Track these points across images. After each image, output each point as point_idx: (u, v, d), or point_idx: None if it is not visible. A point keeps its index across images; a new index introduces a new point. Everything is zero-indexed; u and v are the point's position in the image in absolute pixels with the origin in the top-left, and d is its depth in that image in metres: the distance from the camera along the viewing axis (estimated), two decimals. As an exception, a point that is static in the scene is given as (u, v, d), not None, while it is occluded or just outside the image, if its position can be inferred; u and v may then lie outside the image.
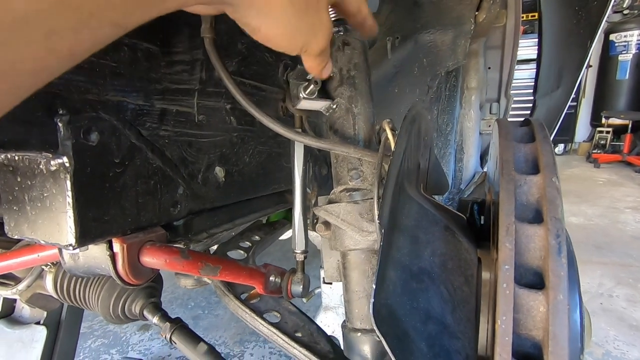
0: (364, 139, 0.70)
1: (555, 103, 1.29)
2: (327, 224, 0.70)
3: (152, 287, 0.79)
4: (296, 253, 0.80)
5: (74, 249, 0.48)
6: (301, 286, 0.80)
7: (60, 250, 0.58)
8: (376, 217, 0.61)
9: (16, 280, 0.87)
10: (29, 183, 0.50)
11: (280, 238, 1.52)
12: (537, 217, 0.37)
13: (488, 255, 0.52)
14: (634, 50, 6.18)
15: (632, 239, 3.54)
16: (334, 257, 0.75)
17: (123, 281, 0.54)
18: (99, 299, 0.74)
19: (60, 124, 0.45)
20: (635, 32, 6.08)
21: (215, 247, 1.14)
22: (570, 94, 1.19)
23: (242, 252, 1.17)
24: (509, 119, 1.62)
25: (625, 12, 6.35)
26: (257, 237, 1.29)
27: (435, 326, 0.39)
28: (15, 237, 0.52)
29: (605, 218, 4.08)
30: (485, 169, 1.72)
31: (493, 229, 0.46)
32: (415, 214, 0.47)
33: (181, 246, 0.65)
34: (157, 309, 0.76)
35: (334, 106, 0.71)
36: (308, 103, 0.70)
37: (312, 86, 0.69)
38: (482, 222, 0.78)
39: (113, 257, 0.54)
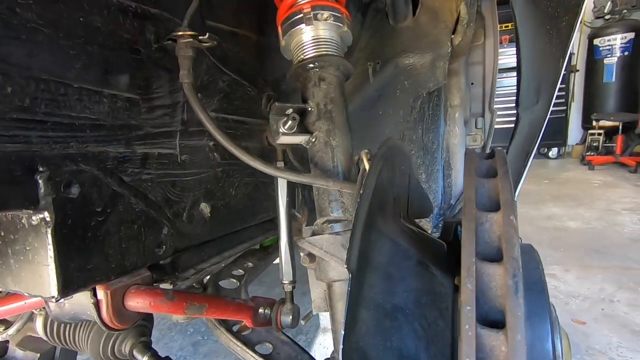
0: (343, 171, 0.72)
1: (536, 116, 1.32)
2: (311, 256, 0.71)
3: (142, 325, 0.79)
4: (284, 284, 0.81)
5: (56, 301, 0.49)
6: (291, 316, 0.81)
7: (45, 299, 0.58)
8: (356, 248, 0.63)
9: (7, 323, 0.87)
10: (12, 237, 0.51)
11: (275, 262, 1.52)
12: (498, 255, 0.39)
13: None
14: (618, 54, 6.31)
15: (630, 242, 3.54)
16: (320, 288, 0.76)
17: (107, 327, 0.55)
18: (88, 340, 0.75)
19: (40, 181, 0.47)
20: (618, 36, 6.22)
21: (208, 277, 1.14)
22: (548, 108, 1.22)
23: (234, 280, 1.17)
24: (489, 139, 1.64)
25: (607, 17, 6.51)
26: (250, 263, 1.29)
27: (409, 365, 0.40)
28: (0, 289, 0.53)
29: (602, 221, 4.08)
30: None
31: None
32: (388, 250, 0.48)
33: (167, 286, 0.66)
34: (147, 348, 0.76)
35: (313, 140, 0.73)
36: (288, 138, 0.73)
37: (290, 121, 0.71)
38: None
39: (97, 304, 0.54)
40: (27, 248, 0.50)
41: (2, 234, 0.51)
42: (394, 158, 0.61)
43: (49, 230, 0.48)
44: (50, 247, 0.48)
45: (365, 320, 0.41)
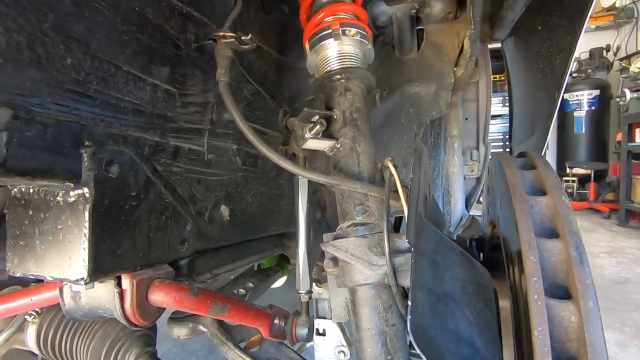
0: (367, 176, 0.73)
1: (532, 149, 1.40)
2: (334, 260, 0.70)
3: (147, 334, 0.74)
4: (300, 293, 0.79)
5: (85, 284, 0.46)
6: (306, 329, 0.77)
7: (61, 290, 0.55)
8: (386, 249, 0.62)
9: (-8, 334, 0.79)
10: (42, 216, 0.48)
11: (273, 286, 1.47)
12: (553, 233, 0.40)
13: (501, 284, 0.54)
14: (586, 108, 6.82)
15: (611, 283, 3.61)
16: (341, 295, 0.74)
17: (129, 321, 0.51)
18: (89, 349, 0.68)
19: (85, 155, 0.46)
20: (585, 92, 6.77)
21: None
22: (545, 139, 1.30)
23: (236, 299, 1.12)
24: (485, 169, 1.70)
25: (574, 75, 7.10)
26: (250, 284, 1.25)
27: (467, 348, 0.39)
28: (18, 274, 0.49)
29: (583, 263, 4.17)
30: (470, 213, 1.77)
31: (507, 252, 0.48)
32: (433, 238, 0.48)
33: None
34: (153, 358, 0.70)
35: (339, 145, 0.75)
36: (314, 142, 0.74)
37: (317, 127, 0.73)
38: (481, 258, 0.80)
39: (121, 294, 0.51)
40: (59, 227, 0.47)
41: (31, 213, 0.49)
42: (425, 159, 0.63)
43: (87, 207, 0.46)
44: (87, 224, 0.46)
45: (421, 301, 0.41)
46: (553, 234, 0.40)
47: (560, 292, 0.36)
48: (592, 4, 0.93)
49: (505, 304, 0.52)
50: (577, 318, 0.33)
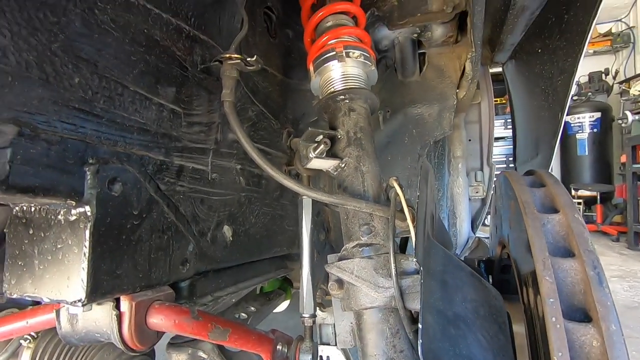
0: (372, 196, 0.72)
1: (537, 168, 1.39)
2: (339, 282, 0.68)
3: (145, 361, 0.71)
4: (304, 317, 0.76)
5: (83, 305, 0.44)
6: (310, 355, 0.74)
7: (57, 313, 0.53)
8: (393, 270, 0.60)
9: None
10: (42, 235, 0.48)
11: (275, 310, 1.43)
12: (568, 252, 0.38)
13: (514, 307, 0.52)
14: (588, 130, 6.85)
15: (625, 309, 3.50)
16: (346, 320, 0.71)
17: (127, 346, 0.49)
18: (84, 377, 0.66)
19: (88, 173, 0.46)
20: (587, 115, 6.81)
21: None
22: (550, 159, 1.29)
23: (237, 324, 1.09)
24: (489, 190, 1.69)
25: (575, 98, 7.17)
26: (252, 308, 1.21)
27: (481, 375, 0.37)
28: (15, 296, 0.48)
29: (594, 287, 4.06)
30: (476, 235, 1.74)
31: (520, 273, 0.46)
32: (442, 258, 0.47)
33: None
34: (151, 386, 0.67)
35: (343, 165, 0.75)
36: (318, 162, 0.74)
37: (322, 146, 0.73)
38: (490, 280, 0.77)
39: (119, 317, 0.50)
40: (59, 246, 0.46)
41: (32, 232, 0.48)
42: (431, 178, 0.62)
43: (88, 226, 0.45)
44: (87, 244, 0.45)
45: (432, 324, 0.39)
46: (568, 253, 0.38)
47: (579, 314, 0.35)
48: (591, 26, 0.94)
49: (519, 328, 0.49)
50: (599, 342, 0.31)
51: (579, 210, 6.35)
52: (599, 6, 0.87)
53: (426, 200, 0.46)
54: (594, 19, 0.91)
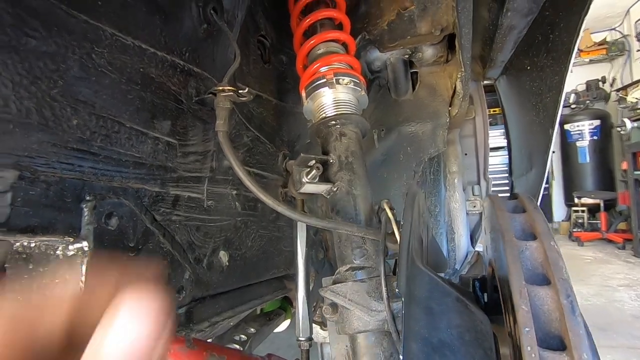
0: (364, 219, 0.74)
1: (532, 182, 1.40)
2: (334, 306, 0.69)
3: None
4: (300, 341, 0.77)
5: (80, 339, 0.46)
6: (307, 380, 0.75)
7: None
8: (384, 294, 0.62)
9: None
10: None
11: (276, 330, 1.43)
12: (544, 280, 0.39)
13: (502, 329, 0.53)
14: (588, 138, 6.86)
15: (633, 319, 3.44)
16: (342, 343, 0.72)
17: (123, 377, 0.50)
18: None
19: (85, 209, 0.48)
20: (586, 122, 6.83)
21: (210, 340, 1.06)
22: (543, 174, 1.31)
23: (237, 346, 1.09)
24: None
25: (573, 106, 7.21)
26: (252, 329, 1.22)
27: (465, 403, 0.38)
28: (14, 329, 0.50)
29: (601, 297, 4.01)
30: (476, 248, 1.75)
31: (503, 297, 0.47)
32: (427, 284, 0.48)
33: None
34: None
35: (335, 189, 0.77)
36: (311, 187, 0.76)
37: (314, 171, 0.75)
38: (485, 299, 0.78)
39: (116, 348, 0.51)
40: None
41: (31, 266, 0.50)
42: (420, 203, 0.63)
43: (85, 261, 0.47)
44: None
45: (415, 353, 0.40)
46: (544, 281, 0.39)
47: (556, 341, 0.36)
48: (575, 45, 0.97)
49: (506, 350, 0.50)
50: (573, 371, 0.32)
51: (585, 218, 6.30)
52: (580, 28, 0.90)
53: (410, 228, 0.48)
54: (577, 40, 0.94)
